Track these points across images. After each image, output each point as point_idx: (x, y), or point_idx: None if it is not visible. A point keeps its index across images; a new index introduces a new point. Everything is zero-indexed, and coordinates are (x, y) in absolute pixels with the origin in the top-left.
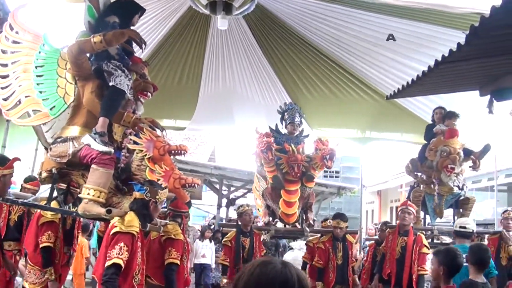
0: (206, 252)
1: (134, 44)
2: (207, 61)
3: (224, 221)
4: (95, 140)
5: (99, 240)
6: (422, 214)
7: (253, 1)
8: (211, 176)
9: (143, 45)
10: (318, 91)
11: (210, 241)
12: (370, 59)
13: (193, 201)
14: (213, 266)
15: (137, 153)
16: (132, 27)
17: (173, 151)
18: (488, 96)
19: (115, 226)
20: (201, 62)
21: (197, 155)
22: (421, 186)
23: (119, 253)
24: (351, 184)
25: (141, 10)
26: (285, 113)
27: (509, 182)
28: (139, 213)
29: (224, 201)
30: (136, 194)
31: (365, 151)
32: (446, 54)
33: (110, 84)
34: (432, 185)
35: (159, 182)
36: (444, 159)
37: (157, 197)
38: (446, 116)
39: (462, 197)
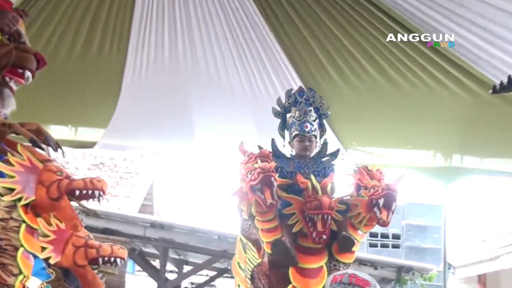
0: None
1: None
2: (139, 14)
3: None
4: None
5: None
6: None
7: None
8: (145, 241)
9: None
10: (360, 75)
11: None
12: (464, 13)
13: None
14: None
15: (1, 194)
16: None
17: (78, 191)
18: None
19: None
20: (128, 14)
21: (118, 198)
22: None
23: None
24: (423, 262)
25: None
26: (289, 113)
27: None
28: None
29: None
30: None
31: (452, 196)
32: None
33: None
34: None
35: (45, 252)
36: None
37: None
38: None
39: None
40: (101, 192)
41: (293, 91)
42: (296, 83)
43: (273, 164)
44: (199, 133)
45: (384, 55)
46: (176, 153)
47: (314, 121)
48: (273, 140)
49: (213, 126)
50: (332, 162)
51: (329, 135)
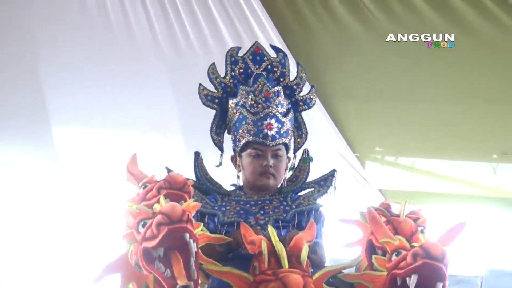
0: None
1: None
2: None
3: None
4: None
5: None
6: None
7: None
8: None
9: None
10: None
11: None
12: None
13: None
14: None
15: None
16: None
17: None
18: None
19: None
20: None
21: None
22: None
23: None
24: None
25: None
26: (233, 98)
27: None
28: None
29: None
30: None
31: None
32: None
33: None
34: None
35: None
36: None
37: None
38: None
39: None
40: None
41: (242, 53)
42: (266, 35)
43: (193, 204)
44: (58, 128)
45: None
46: (12, 171)
47: (286, 115)
48: (198, 155)
49: (86, 115)
50: (319, 201)
51: (323, 133)
